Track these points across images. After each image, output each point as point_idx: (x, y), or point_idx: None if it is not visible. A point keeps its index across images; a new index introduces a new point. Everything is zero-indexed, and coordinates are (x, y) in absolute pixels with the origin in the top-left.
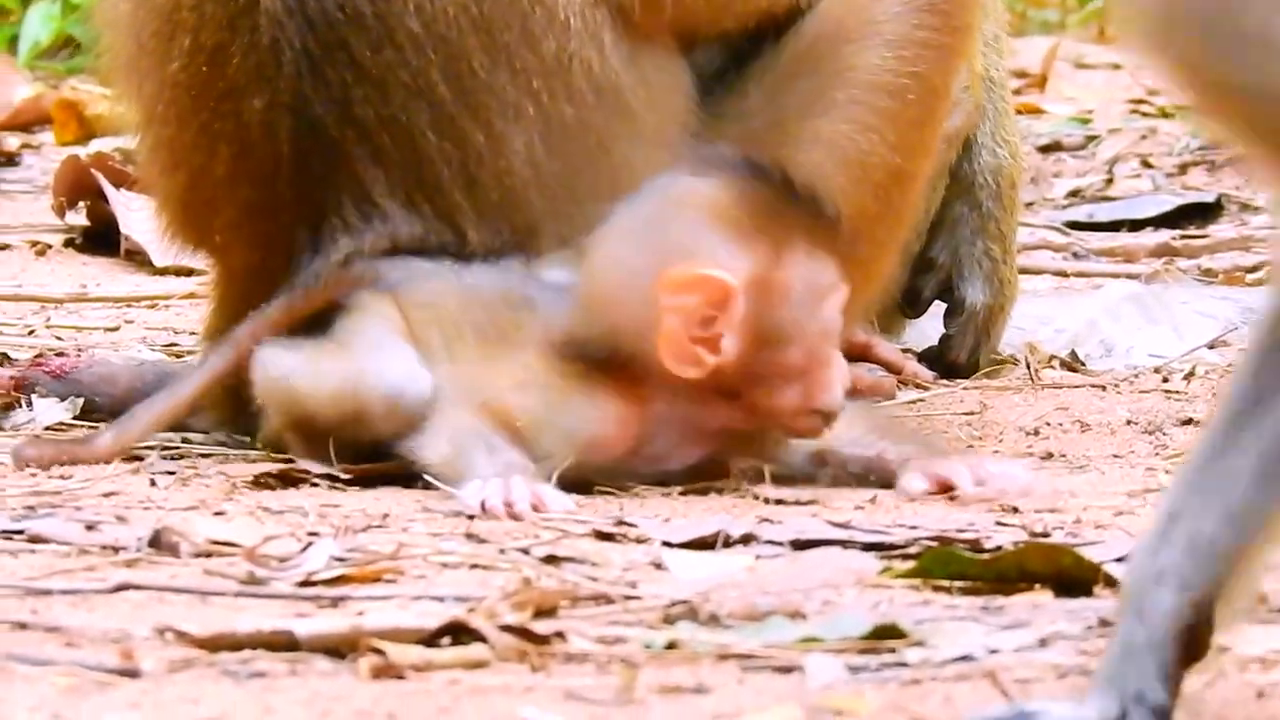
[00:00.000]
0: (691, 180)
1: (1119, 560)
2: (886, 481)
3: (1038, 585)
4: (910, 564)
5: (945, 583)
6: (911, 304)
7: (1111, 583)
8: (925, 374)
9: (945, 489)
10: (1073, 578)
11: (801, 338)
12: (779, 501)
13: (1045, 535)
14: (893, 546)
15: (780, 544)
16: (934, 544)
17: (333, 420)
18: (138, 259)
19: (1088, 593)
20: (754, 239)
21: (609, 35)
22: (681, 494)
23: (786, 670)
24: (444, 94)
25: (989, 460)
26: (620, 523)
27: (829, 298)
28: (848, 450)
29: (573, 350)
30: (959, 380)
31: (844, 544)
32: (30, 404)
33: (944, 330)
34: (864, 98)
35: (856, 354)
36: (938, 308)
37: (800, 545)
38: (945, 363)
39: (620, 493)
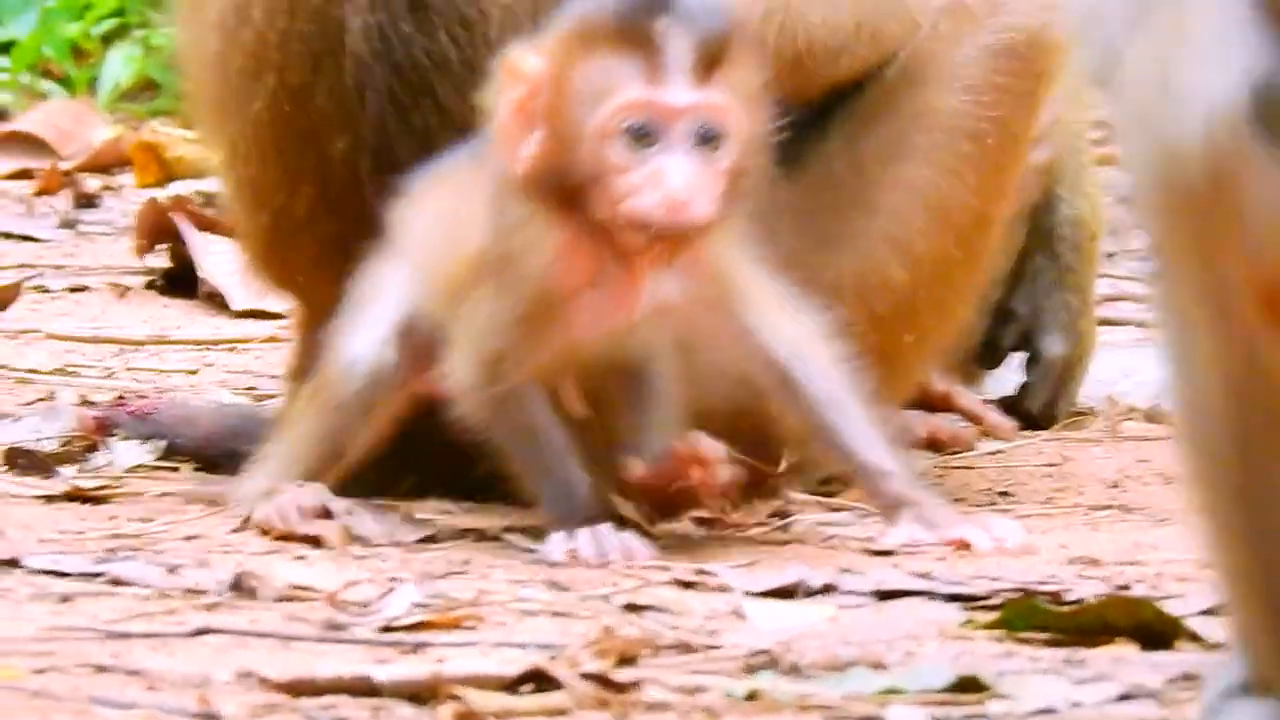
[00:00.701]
0: None
1: (1201, 614)
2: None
3: (1119, 638)
4: (992, 615)
5: (1027, 635)
6: (990, 355)
7: (1193, 637)
8: (1006, 425)
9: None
10: (1155, 631)
11: (584, 137)
12: (861, 550)
13: (1126, 588)
14: (974, 598)
15: (862, 594)
16: (1016, 596)
17: None
18: (217, 301)
19: (1169, 646)
20: (564, 37)
21: None
22: (761, 542)
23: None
24: None
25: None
26: (701, 571)
27: (609, 99)
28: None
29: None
30: (1039, 432)
31: (926, 594)
32: (111, 446)
33: (1022, 380)
34: (944, 142)
35: (938, 404)
36: (1017, 358)
37: (882, 595)
38: (1021, 413)
39: (699, 540)
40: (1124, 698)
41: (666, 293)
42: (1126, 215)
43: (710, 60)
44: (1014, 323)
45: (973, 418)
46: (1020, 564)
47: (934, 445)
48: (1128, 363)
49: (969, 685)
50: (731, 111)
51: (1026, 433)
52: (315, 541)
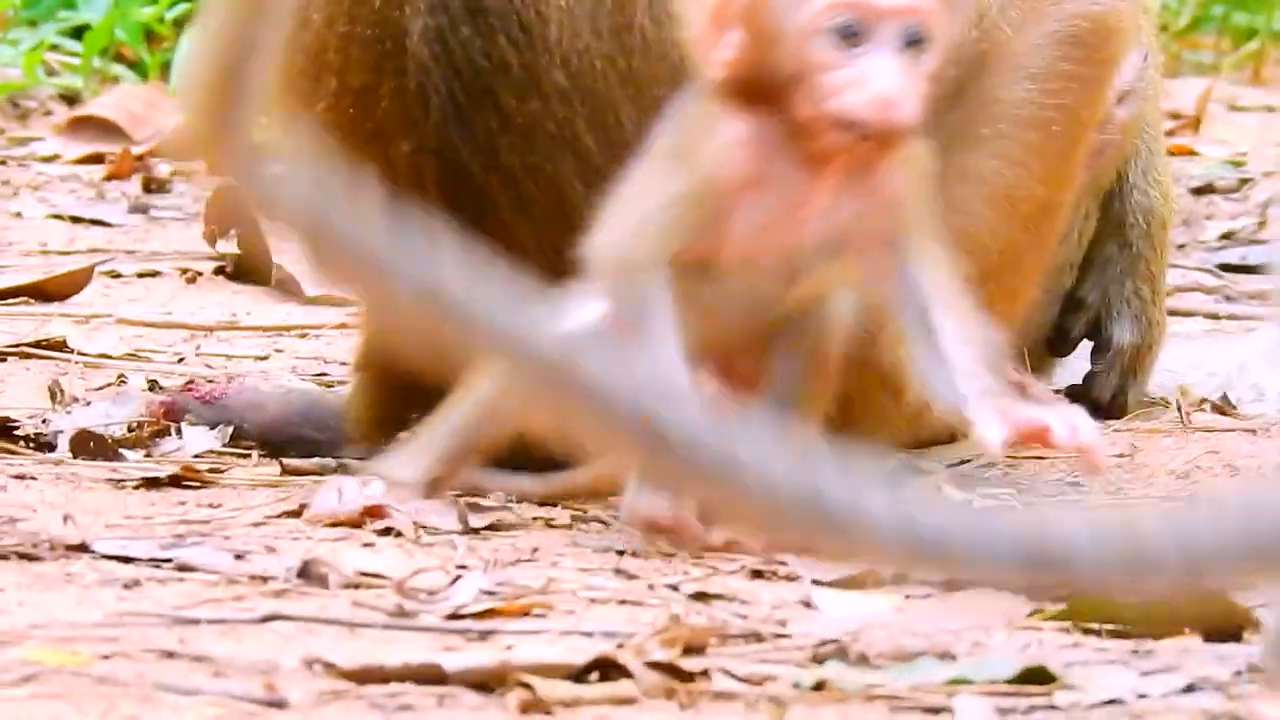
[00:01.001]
0: None
1: (1267, 605)
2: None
3: (1186, 630)
4: (1060, 606)
5: (1094, 625)
6: (1060, 343)
7: (1260, 628)
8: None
9: (1030, 438)
10: (1221, 623)
11: (786, 36)
12: None
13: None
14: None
15: (929, 584)
16: None
17: None
18: (288, 288)
19: (1237, 638)
20: None
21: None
22: None
23: (935, 711)
24: (590, 145)
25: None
26: (770, 560)
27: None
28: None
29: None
30: (1110, 422)
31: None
32: (180, 431)
33: (1090, 369)
34: (1009, 131)
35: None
36: (1086, 348)
37: (950, 586)
38: (1089, 401)
39: None
40: (1190, 689)
41: (840, 216)
42: (1197, 205)
43: None
44: (1084, 311)
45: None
46: None
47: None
48: (1198, 354)
49: (1036, 676)
50: (936, 15)
51: (1096, 422)
52: (385, 529)
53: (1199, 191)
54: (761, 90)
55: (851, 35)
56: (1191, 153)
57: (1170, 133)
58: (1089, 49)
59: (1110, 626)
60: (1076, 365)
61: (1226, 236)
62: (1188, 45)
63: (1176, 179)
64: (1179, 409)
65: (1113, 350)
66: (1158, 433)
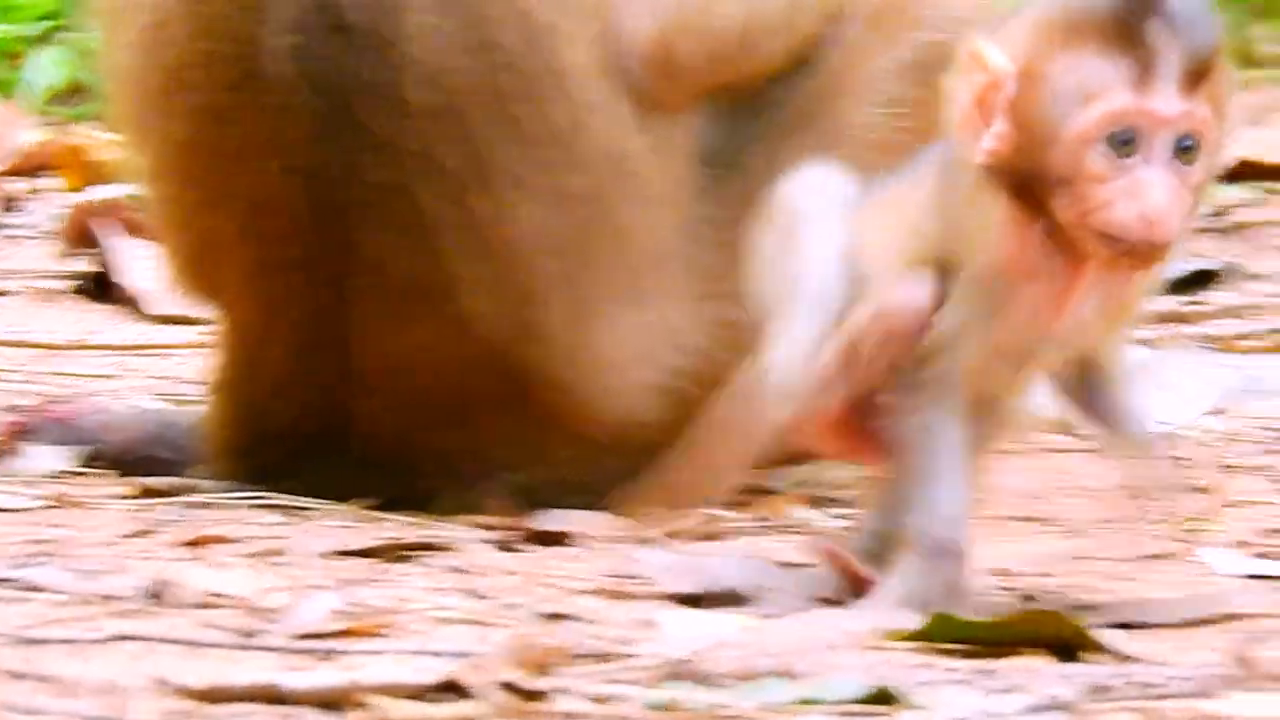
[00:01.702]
0: None
1: (1111, 626)
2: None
3: (1033, 650)
4: (912, 627)
5: (946, 646)
6: None
7: (1102, 649)
8: None
9: None
10: (1069, 643)
11: (1058, 139)
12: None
13: (1033, 599)
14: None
15: (783, 604)
16: None
17: None
18: (140, 307)
19: (1079, 658)
20: (1042, 35)
21: (618, 103)
22: (681, 551)
23: None
24: (453, 163)
25: None
26: (620, 578)
27: (1096, 102)
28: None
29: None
30: None
31: (844, 604)
32: (29, 451)
33: None
34: (859, 155)
35: None
36: None
37: (798, 606)
38: None
39: (620, 547)
40: (1035, 709)
41: (1081, 313)
42: None
43: (1198, 68)
44: None
45: None
46: None
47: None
48: None
49: (882, 697)
50: (1210, 124)
51: None
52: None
53: None
54: (1025, 184)
55: (1126, 144)
56: None
57: None
58: (935, 73)
59: (960, 647)
60: None
61: None
62: None
63: None
64: (1029, 429)
65: None
66: (1007, 452)
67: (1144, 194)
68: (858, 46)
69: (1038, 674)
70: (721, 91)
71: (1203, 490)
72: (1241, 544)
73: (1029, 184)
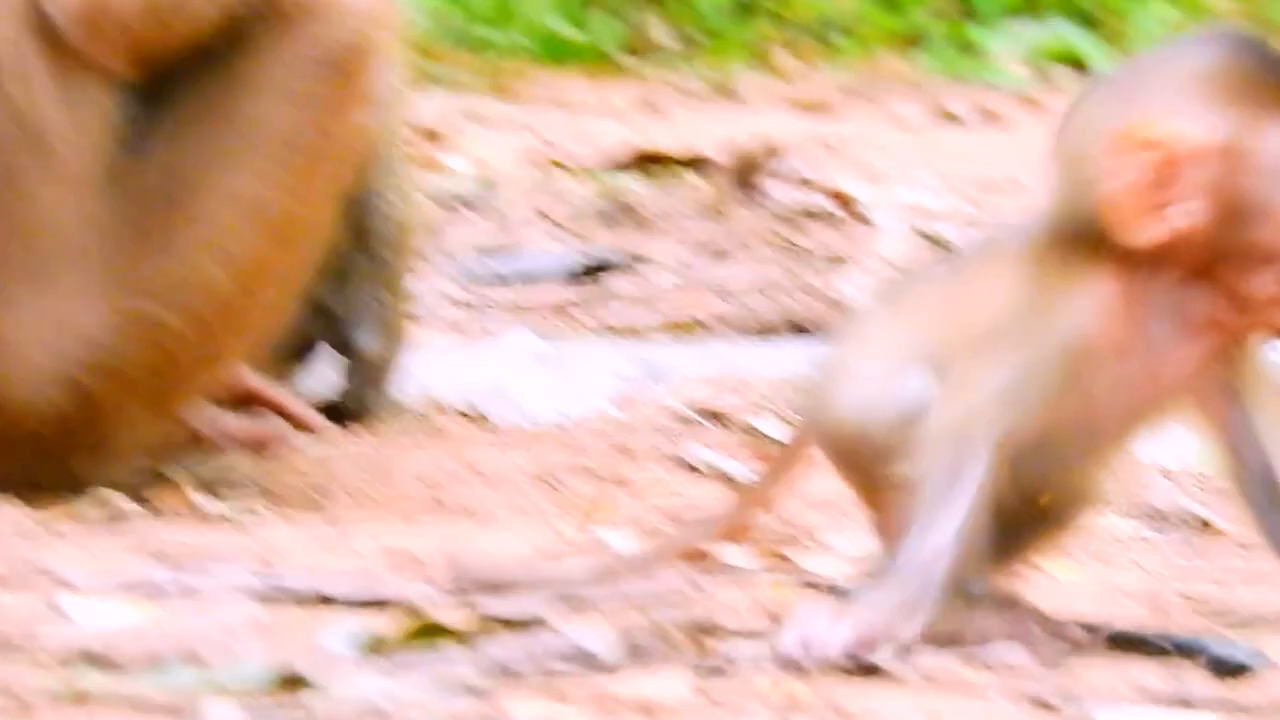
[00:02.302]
0: (1181, 44)
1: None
2: None
3: (437, 634)
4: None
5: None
6: (304, 351)
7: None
8: (325, 423)
9: None
10: (442, 629)
11: (1271, 214)
12: (178, 549)
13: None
14: (288, 592)
15: (189, 592)
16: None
17: None
18: None
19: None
20: (1229, 104)
21: (38, 69)
22: (92, 536)
23: (180, 714)
24: None
25: None
26: (28, 563)
27: None
28: None
29: (1051, 233)
30: (358, 430)
31: (249, 590)
32: None
33: (337, 379)
34: (265, 149)
35: (256, 403)
36: (333, 356)
37: (200, 594)
38: (338, 411)
39: (28, 533)
40: (441, 689)
41: (1195, 371)
42: (445, 217)
43: None
44: (328, 320)
45: (290, 416)
46: (338, 560)
47: (253, 444)
48: (446, 363)
49: (289, 681)
50: None
51: (344, 431)
52: None
53: (446, 204)
54: (1192, 262)
55: None
56: (439, 166)
57: (417, 146)
58: (340, 69)
59: (366, 633)
60: (326, 374)
61: (474, 248)
62: (435, 59)
63: (424, 192)
64: (428, 417)
65: (357, 360)
66: (407, 440)
67: None
68: (266, 41)
69: (446, 657)
70: (145, 64)
71: (595, 476)
72: (637, 527)
73: (1198, 258)
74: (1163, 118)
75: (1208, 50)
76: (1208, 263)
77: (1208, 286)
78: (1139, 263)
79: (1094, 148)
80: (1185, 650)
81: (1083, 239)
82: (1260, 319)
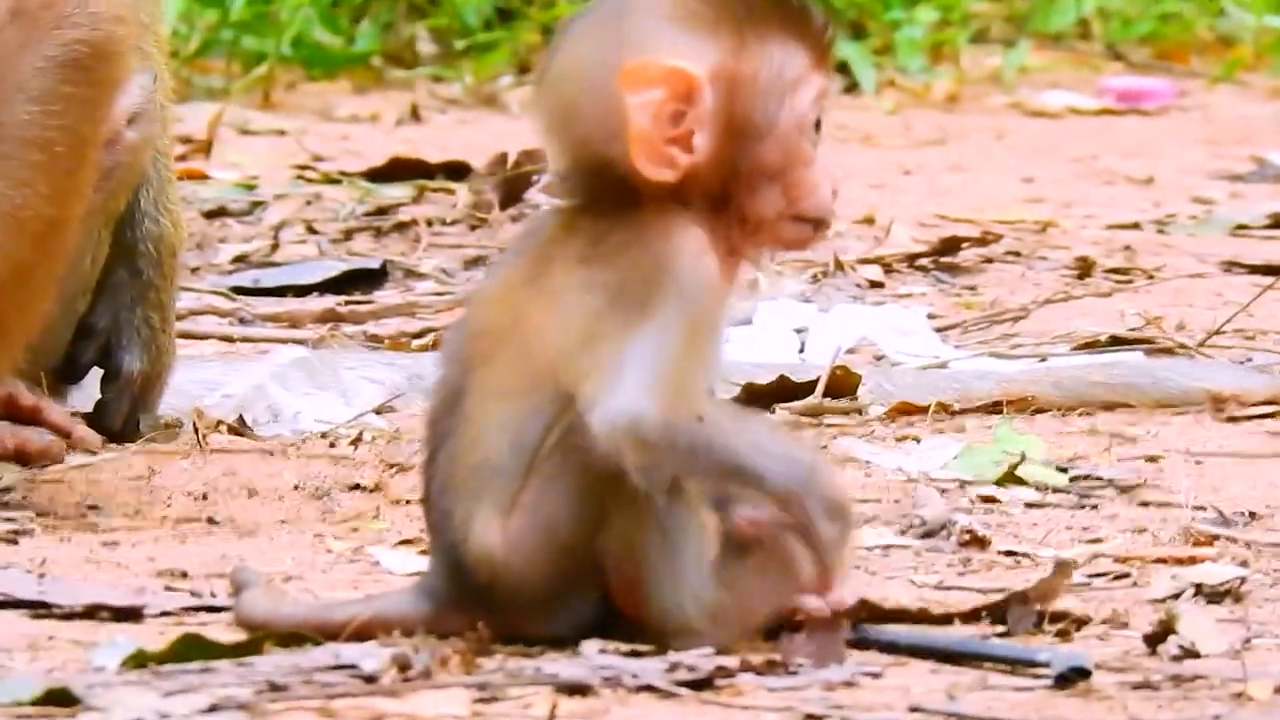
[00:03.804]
0: None
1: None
2: None
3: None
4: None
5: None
6: (72, 369)
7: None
8: (94, 438)
9: None
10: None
11: (774, 132)
12: None
13: (214, 599)
14: (57, 608)
15: None
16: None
17: None
18: None
19: (257, 653)
20: (717, 29)
21: None
22: None
23: None
24: None
25: None
26: None
27: (801, 89)
28: None
29: (585, 197)
30: (128, 445)
31: (18, 605)
32: None
33: (101, 396)
34: (13, 152)
35: (26, 416)
36: (98, 374)
37: None
38: (102, 428)
39: None
40: (213, 709)
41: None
42: (210, 228)
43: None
44: (94, 338)
45: (60, 430)
46: (109, 576)
47: (22, 458)
48: (213, 376)
49: (59, 698)
50: None
51: (114, 446)
52: None
53: (211, 215)
54: (719, 191)
55: (818, 126)
56: (203, 176)
57: (181, 157)
58: (89, 72)
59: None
60: (91, 391)
61: (240, 259)
62: (198, 70)
63: (189, 203)
64: (195, 431)
65: (123, 377)
66: (175, 455)
67: (829, 171)
68: (11, 44)
69: (217, 673)
70: None
71: (366, 489)
72: (407, 543)
73: (721, 192)
74: (657, 54)
75: None
76: (720, 190)
77: (721, 214)
78: (694, 203)
79: (595, 95)
80: (1011, 661)
81: (610, 190)
82: (769, 237)
